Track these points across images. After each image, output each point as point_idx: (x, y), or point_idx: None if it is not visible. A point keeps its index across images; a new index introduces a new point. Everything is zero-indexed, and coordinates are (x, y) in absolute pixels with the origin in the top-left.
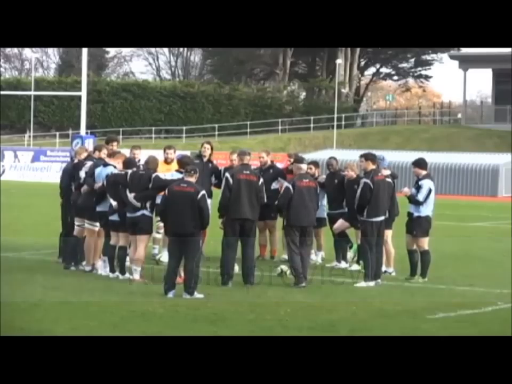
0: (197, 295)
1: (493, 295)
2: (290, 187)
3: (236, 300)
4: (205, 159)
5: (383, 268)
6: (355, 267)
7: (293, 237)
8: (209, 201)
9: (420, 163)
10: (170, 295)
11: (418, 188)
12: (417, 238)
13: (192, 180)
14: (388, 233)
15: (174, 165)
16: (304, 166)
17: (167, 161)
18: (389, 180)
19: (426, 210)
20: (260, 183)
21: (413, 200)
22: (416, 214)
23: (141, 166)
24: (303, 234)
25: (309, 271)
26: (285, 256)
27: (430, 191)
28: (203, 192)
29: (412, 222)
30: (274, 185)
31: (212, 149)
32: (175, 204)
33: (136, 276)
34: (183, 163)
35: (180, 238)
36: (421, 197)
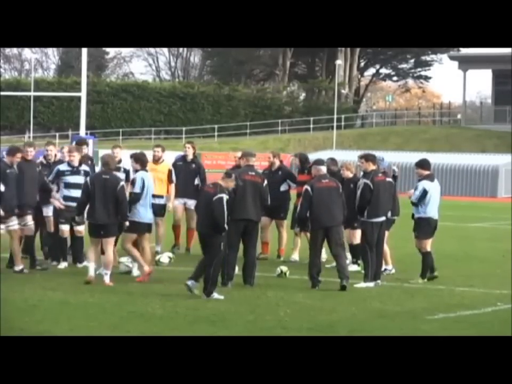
0: (216, 295)
1: (492, 295)
2: (309, 189)
3: (235, 300)
4: (189, 159)
5: (384, 267)
6: (354, 268)
7: (316, 242)
8: (194, 202)
9: (422, 164)
10: (189, 283)
11: (415, 189)
12: (418, 240)
13: (222, 183)
14: (385, 234)
15: (162, 165)
16: (323, 168)
17: (155, 160)
18: (389, 180)
19: (426, 211)
20: (265, 184)
21: (411, 202)
22: (416, 215)
23: (123, 167)
24: (330, 235)
25: (307, 271)
26: (294, 257)
27: (425, 192)
28: (220, 195)
29: (414, 224)
30: (283, 187)
31: (194, 148)
32: (199, 204)
33: (107, 280)
34: (136, 159)
35: (201, 238)
36: (414, 198)
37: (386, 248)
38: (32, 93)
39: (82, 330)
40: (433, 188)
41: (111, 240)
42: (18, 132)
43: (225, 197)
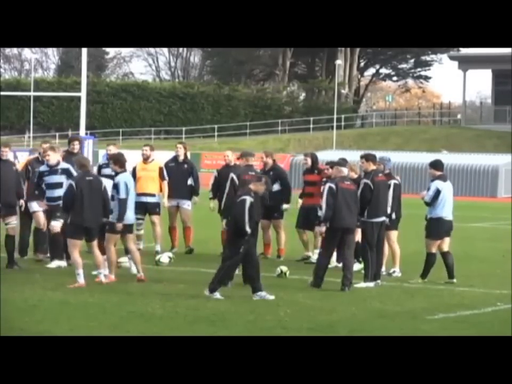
0: (218, 295)
1: (492, 295)
2: (334, 187)
3: (235, 300)
4: (180, 160)
5: (392, 269)
6: (356, 267)
7: (332, 242)
8: (188, 202)
9: (435, 164)
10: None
11: (428, 189)
12: (427, 239)
13: (252, 186)
14: (394, 234)
15: (152, 164)
16: (345, 170)
17: (144, 159)
18: (396, 181)
19: (437, 211)
20: None
21: (424, 202)
22: (429, 216)
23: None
24: (345, 237)
25: (307, 271)
26: (315, 256)
27: (438, 192)
28: (243, 197)
29: (426, 224)
30: (276, 187)
31: (185, 148)
32: None
33: (103, 279)
34: (115, 161)
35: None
36: (427, 197)
37: (397, 249)
38: (32, 93)
39: (82, 330)
40: (446, 188)
41: (96, 242)
42: (18, 131)
43: (248, 199)
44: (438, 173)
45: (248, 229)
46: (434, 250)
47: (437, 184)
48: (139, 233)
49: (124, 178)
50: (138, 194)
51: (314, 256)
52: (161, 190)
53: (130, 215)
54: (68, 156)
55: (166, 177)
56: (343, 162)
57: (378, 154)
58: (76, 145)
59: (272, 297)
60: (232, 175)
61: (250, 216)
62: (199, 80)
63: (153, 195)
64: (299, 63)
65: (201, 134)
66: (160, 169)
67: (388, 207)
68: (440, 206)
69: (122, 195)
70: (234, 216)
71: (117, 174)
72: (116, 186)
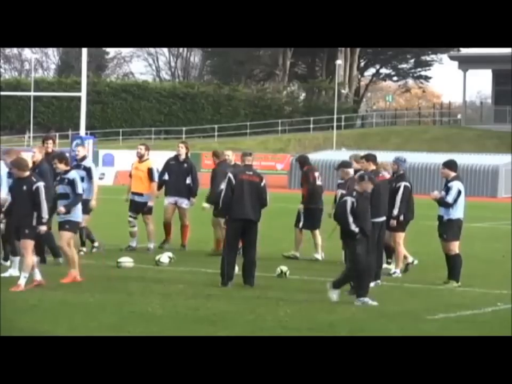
0: (366, 300)
1: (492, 295)
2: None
3: (235, 300)
4: (181, 159)
5: (393, 269)
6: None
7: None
8: (186, 201)
9: (450, 164)
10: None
11: (447, 189)
12: (449, 242)
13: (357, 187)
14: (400, 236)
15: (144, 164)
16: (351, 171)
17: (138, 157)
18: (406, 184)
19: (457, 213)
20: (263, 184)
21: (442, 202)
22: (446, 217)
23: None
24: None
25: (307, 271)
26: (317, 256)
27: (459, 192)
28: (345, 198)
29: (442, 226)
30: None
31: (187, 148)
32: None
33: (22, 283)
34: (60, 159)
35: None
36: (450, 198)
37: (403, 251)
38: (32, 93)
39: (82, 330)
40: (463, 189)
41: (30, 242)
42: (18, 132)
43: (349, 199)
44: (453, 174)
45: (354, 229)
46: (457, 250)
47: (458, 185)
48: (132, 230)
49: (78, 173)
50: (132, 193)
51: (317, 255)
52: (149, 189)
53: (80, 213)
54: (45, 155)
55: (155, 179)
56: (349, 163)
57: (379, 154)
58: (50, 145)
59: (374, 303)
60: (229, 174)
61: (354, 216)
62: (199, 80)
63: (140, 194)
64: (299, 63)
65: (201, 134)
66: (149, 170)
67: (395, 208)
68: (460, 207)
69: (79, 190)
70: (338, 219)
71: (66, 172)
72: (72, 183)
